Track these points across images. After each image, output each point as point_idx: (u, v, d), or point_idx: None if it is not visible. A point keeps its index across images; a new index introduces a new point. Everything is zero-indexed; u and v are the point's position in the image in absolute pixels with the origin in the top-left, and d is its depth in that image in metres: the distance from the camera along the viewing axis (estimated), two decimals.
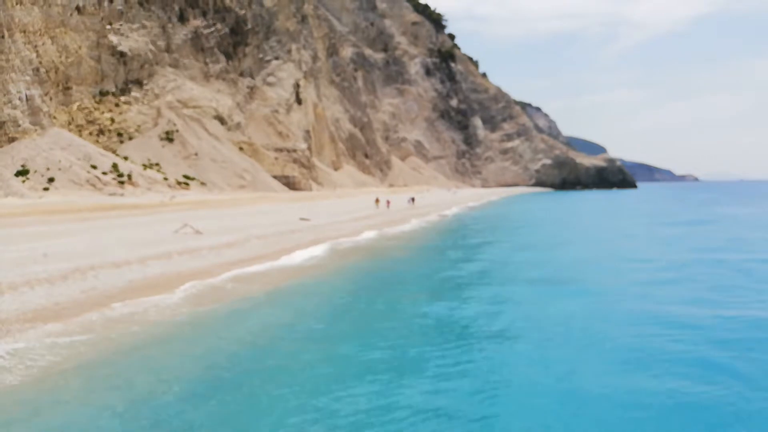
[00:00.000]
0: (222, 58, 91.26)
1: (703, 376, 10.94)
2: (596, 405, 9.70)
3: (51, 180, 55.14)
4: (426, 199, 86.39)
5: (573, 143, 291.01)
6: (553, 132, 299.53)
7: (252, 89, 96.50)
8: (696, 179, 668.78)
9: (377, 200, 60.50)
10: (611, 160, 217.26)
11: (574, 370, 11.29)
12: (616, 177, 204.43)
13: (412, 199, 71.45)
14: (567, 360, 11.88)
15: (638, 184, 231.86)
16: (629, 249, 31.51)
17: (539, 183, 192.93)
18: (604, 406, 9.66)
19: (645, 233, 41.81)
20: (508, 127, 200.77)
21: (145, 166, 67.16)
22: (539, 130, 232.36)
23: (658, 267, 24.51)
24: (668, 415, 9.29)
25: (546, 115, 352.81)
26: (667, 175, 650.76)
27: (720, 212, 66.45)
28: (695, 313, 15.77)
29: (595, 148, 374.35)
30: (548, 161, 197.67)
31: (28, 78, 61.52)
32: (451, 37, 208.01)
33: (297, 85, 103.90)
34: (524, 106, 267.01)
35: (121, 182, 60.12)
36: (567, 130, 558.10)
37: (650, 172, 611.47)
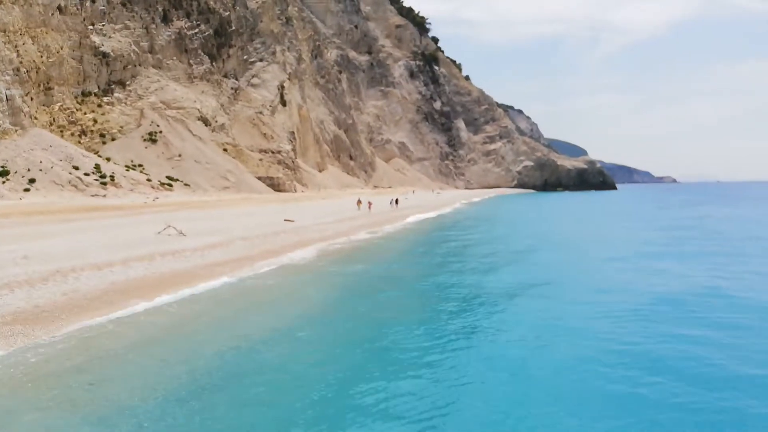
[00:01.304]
0: (206, 59, 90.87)
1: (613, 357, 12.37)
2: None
3: (32, 181, 54.49)
4: (410, 201, 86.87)
5: (554, 145, 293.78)
6: (534, 134, 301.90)
7: (236, 91, 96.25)
8: (674, 181, 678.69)
9: (359, 202, 60.10)
10: (591, 162, 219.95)
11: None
12: (596, 179, 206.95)
13: (396, 201, 70.31)
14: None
15: (618, 185, 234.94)
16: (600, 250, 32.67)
17: (521, 184, 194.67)
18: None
19: (623, 237, 42.76)
20: (490, 129, 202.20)
21: (128, 167, 66.78)
22: (521, 132, 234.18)
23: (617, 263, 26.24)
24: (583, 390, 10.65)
25: (528, 118, 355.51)
26: (646, 177, 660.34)
27: (702, 213, 67.67)
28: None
29: (576, 150, 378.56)
30: (530, 163, 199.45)
31: (8, 78, 60.93)
32: (435, 40, 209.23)
33: (281, 87, 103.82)
34: (506, 108, 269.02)
35: (104, 183, 59.72)
36: (548, 132, 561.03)
37: (630, 174, 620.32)
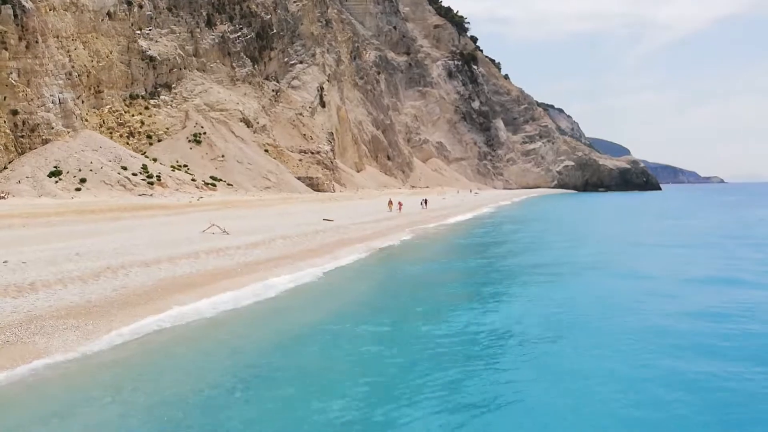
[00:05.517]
0: (248, 62, 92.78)
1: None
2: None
3: (83, 181, 56.30)
4: (446, 200, 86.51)
5: (596, 145, 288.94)
6: (575, 133, 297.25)
7: (277, 92, 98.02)
8: (722, 181, 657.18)
9: (390, 203, 59.65)
10: (635, 162, 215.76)
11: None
12: (639, 179, 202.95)
13: (425, 202, 68.20)
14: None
15: (662, 185, 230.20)
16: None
17: (561, 185, 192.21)
18: None
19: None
20: (530, 128, 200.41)
21: (173, 168, 68.59)
22: (562, 131, 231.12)
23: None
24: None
25: (569, 117, 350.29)
26: (692, 177, 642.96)
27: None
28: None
29: (618, 150, 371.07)
30: (570, 163, 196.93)
31: (61, 82, 62.65)
32: (474, 39, 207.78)
33: (321, 88, 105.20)
34: (547, 107, 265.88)
35: (151, 183, 61.26)
36: (590, 131, 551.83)
37: (675, 174, 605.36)
